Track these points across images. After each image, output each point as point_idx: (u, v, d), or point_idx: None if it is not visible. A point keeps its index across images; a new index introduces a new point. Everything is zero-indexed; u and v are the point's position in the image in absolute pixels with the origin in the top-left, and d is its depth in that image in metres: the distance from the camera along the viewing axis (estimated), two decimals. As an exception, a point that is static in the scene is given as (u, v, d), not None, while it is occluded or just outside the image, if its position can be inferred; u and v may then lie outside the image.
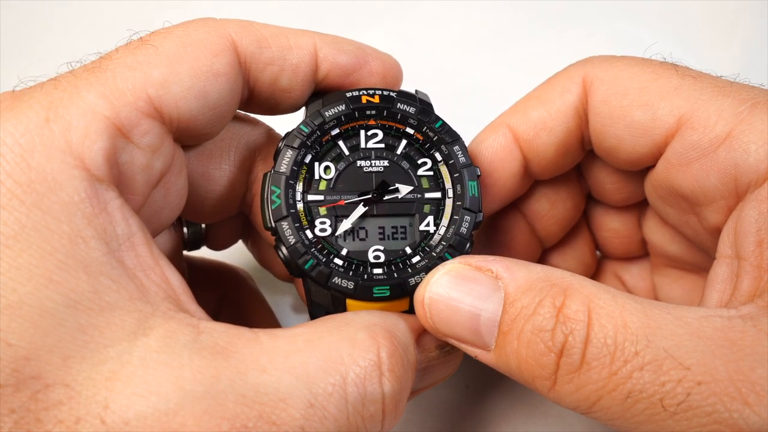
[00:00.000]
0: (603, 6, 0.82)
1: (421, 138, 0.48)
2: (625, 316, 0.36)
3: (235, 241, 0.58)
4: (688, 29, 0.80)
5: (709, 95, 0.44)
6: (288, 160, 0.46)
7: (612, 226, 0.58)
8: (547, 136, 0.50)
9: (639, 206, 0.56)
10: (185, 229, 0.54)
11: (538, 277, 0.39)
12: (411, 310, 0.45)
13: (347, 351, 0.38)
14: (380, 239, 0.47)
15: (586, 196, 0.58)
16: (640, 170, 0.50)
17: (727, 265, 0.43)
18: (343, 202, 0.47)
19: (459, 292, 0.41)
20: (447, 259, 0.45)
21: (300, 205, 0.46)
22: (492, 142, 0.51)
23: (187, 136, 0.44)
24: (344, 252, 0.46)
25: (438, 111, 0.49)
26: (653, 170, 0.48)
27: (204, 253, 0.57)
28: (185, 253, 0.56)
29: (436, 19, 0.83)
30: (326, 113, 0.47)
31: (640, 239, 0.57)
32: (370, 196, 0.47)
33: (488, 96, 0.74)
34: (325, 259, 0.45)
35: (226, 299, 0.58)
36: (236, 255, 0.61)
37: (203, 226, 0.55)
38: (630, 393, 0.35)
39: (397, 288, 0.44)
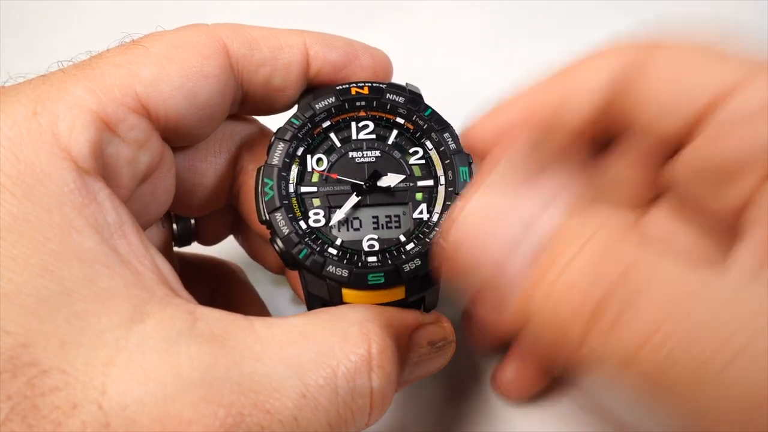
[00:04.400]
0: (603, 6, 0.83)
1: (411, 127, 0.49)
2: (672, 276, 0.34)
3: (226, 236, 0.59)
4: (687, 30, 0.81)
5: (750, 69, 0.42)
6: (280, 152, 0.46)
7: None
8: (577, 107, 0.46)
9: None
10: (174, 225, 0.54)
11: (588, 214, 0.36)
12: (407, 299, 0.46)
13: (339, 345, 0.39)
14: (374, 228, 0.47)
15: None
16: (670, 154, 0.47)
17: (764, 231, 0.40)
18: (335, 175, 0.47)
19: (492, 230, 0.36)
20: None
21: (293, 197, 0.46)
22: (531, 94, 0.49)
23: (176, 136, 0.44)
24: (339, 242, 0.46)
25: (438, 110, 0.49)
26: (690, 146, 0.45)
27: (195, 248, 0.58)
28: (176, 249, 0.56)
29: (436, 19, 0.83)
30: (317, 106, 0.47)
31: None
32: (363, 185, 0.47)
33: (489, 96, 0.75)
34: (319, 248, 0.45)
35: (218, 293, 0.58)
36: (228, 250, 0.61)
37: (192, 221, 0.55)
38: (671, 352, 0.33)
39: (392, 275, 0.44)
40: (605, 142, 0.51)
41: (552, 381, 0.57)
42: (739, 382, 0.32)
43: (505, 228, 0.36)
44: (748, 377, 0.32)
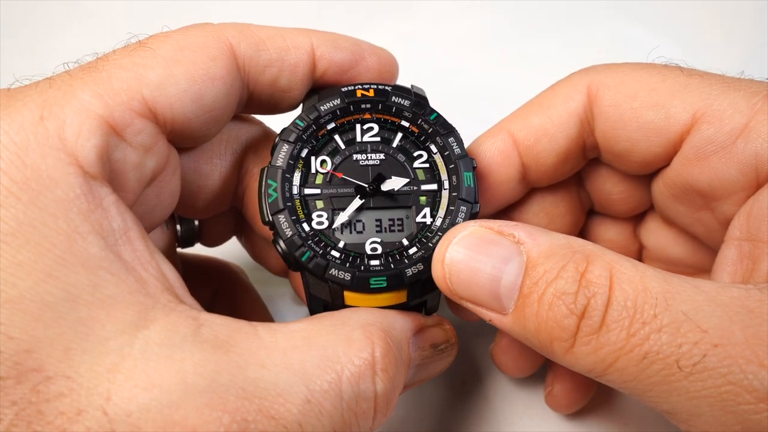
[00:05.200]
0: (603, 6, 0.82)
1: (416, 130, 0.49)
2: (646, 281, 0.37)
3: (229, 237, 0.59)
4: (687, 30, 0.80)
5: (720, 90, 0.44)
6: (284, 154, 0.46)
7: (608, 237, 0.57)
8: (548, 143, 0.50)
9: (636, 216, 0.56)
10: (178, 227, 0.54)
11: (560, 244, 0.40)
12: (409, 302, 0.46)
13: (343, 350, 0.39)
14: (377, 231, 0.47)
15: (586, 212, 0.57)
16: (650, 173, 0.50)
17: (736, 248, 0.44)
18: (340, 174, 0.47)
19: (480, 254, 0.41)
20: None
21: (297, 199, 0.46)
22: (490, 146, 0.51)
23: (181, 138, 0.44)
24: (341, 245, 0.46)
25: (438, 110, 0.49)
26: (667, 169, 0.48)
27: (197, 249, 0.58)
28: (179, 250, 0.56)
29: (437, 19, 0.83)
30: (321, 107, 0.47)
31: (637, 248, 0.57)
32: (366, 188, 0.47)
33: (488, 96, 0.75)
34: (322, 251, 0.45)
35: (220, 294, 0.58)
36: (230, 251, 0.61)
37: (196, 222, 0.55)
38: (647, 354, 0.36)
39: (394, 279, 0.44)
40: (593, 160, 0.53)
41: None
42: (713, 374, 0.35)
43: (494, 252, 0.41)
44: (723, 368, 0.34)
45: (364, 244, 0.47)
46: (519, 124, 0.50)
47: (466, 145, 0.49)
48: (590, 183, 0.55)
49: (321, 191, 0.47)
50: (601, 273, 0.38)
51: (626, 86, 0.47)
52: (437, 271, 0.43)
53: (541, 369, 0.58)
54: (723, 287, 0.37)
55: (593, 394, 0.57)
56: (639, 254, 0.58)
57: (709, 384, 0.35)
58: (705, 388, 0.35)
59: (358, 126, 0.49)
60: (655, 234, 0.55)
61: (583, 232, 0.59)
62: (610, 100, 0.47)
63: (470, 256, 0.41)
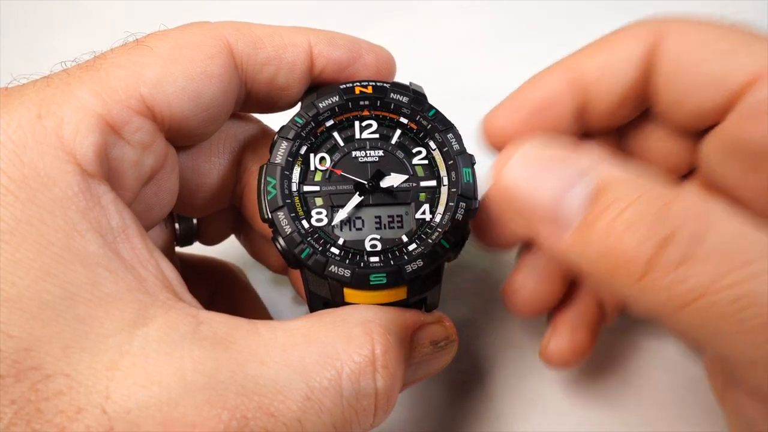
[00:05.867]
0: (603, 6, 0.82)
1: (415, 127, 0.49)
2: (741, 225, 0.33)
3: (228, 236, 0.59)
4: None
5: None
6: (283, 151, 0.46)
7: None
8: (612, 80, 0.47)
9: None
10: (176, 225, 0.54)
11: (639, 174, 0.36)
12: (408, 299, 0.46)
13: (343, 347, 0.39)
14: (377, 228, 0.47)
15: None
16: (702, 128, 0.48)
17: None
18: (339, 171, 0.47)
19: (545, 171, 0.37)
20: (443, 246, 0.45)
21: (296, 196, 0.46)
22: (551, 79, 0.48)
23: (180, 136, 0.44)
24: (341, 241, 0.46)
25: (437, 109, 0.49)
26: (721, 126, 0.46)
27: (196, 248, 0.58)
28: (177, 249, 0.56)
29: (437, 19, 0.83)
30: (320, 105, 0.47)
31: None
32: (365, 185, 0.47)
33: (488, 96, 0.74)
34: (321, 248, 0.45)
35: (218, 294, 0.58)
36: (229, 250, 0.61)
37: (195, 221, 0.55)
38: (740, 297, 0.32)
39: (394, 275, 0.44)
40: (637, 116, 0.51)
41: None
42: None
43: (560, 171, 0.36)
44: None
45: (363, 240, 0.47)
46: (583, 60, 0.48)
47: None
48: (631, 142, 0.52)
49: (320, 188, 0.47)
50: (691, 207, 0.34)
51: (693, 34, 0.45)
52: (493, 186, 0.38)
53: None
54: None
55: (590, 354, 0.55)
56: None
57: None
58: None
59: (356, 123, 0.49)
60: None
61: None
62: (676, 44, 0.46)
63: (532, 173, 0.37)
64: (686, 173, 0.53)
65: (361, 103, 0.48)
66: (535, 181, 0.36)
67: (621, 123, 0.51)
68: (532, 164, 0.37)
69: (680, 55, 0.46)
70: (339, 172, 0.48)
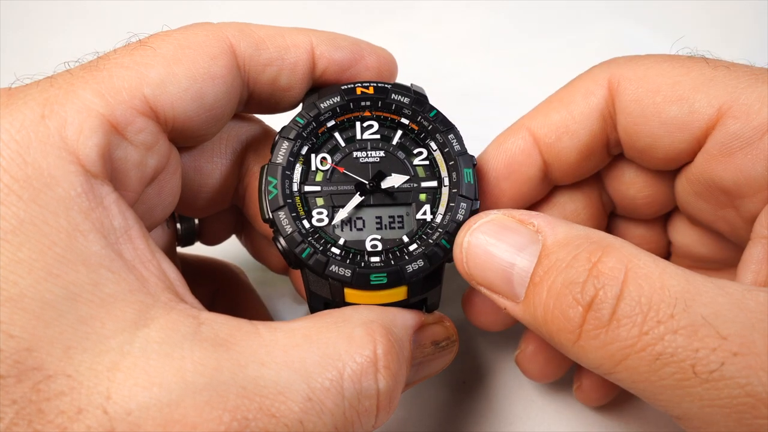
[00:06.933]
0: (604, 6, 0.82)
1: (416, 128, 0.49)
2: (665, 279, 0.36)
3: (229, 236, 0.59)
4: (688, 30, 0.80)
5: (747, 83, 0.43)
6: (284, 151, 0.46)
7: (637, 233, 0.56)
8: (569, 140, 0.49)
9: (662, 216, 0.55)
10: (178, 225, 0.54)
11: (577, 234, 0.39)
12: (409, 299, 0.46)
13: (344, 347, 0.39)
14: (377, 228, 0.47)
15: (608, 216, 0.56)
16: (673, 170, 0.49)
17: (763, 246, 0.43)
18: (342, 168, 0.48)
19: (498, 240, 0.42)
20: (444, 246, 0.45)
21: (297, 196, 0.46)
22: (511, 144, 0.50)
23: (182, 137, 0.44)
24: (341, 241, 0.46)
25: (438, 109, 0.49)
26: (690, 166, 0.47)
27: (197, 249, 0.58)
28: (179, 250, 0.56)
29: (437, 19, 0.83)
30: (322, 105, 0.47)
31: (665, 244, 0.56)
32: (366, 185, 0.47)
33: (488, 96, 0.75)
34: (322, 248, 0.45)
35: (219, 295, 0.58)
36: (230, 251, 0.61)
37: (196, 221, 0.55)
38: (660, 355, 0.34)
39: (395, 275, 0.45)
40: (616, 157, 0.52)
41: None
42: (730, 384, 0.33)
43: (512, 238, 0.41)
44: (741, 378, 0.33)
45: (364, 241, 0.47)
46: (539, 122, 0.49)
47: (483, 147, 0.48)
48: (612, 185, 0.53)
49: (321, 188, 0.47)
50: (615, 265, 0.37)
51: (648, 80, 0.46)
52: (456, 255, 0.43)
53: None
54: (749, 290, 0.35)
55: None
56: (666, 249, 0.56)
57: (725, 394, 0.33)
58: (720, 398, 0.33)
59: (358, 123, 0.49)
60: (682, 232, 0.54)
61: (609, 232, 0.57)
62: (631, 94, 0.46)
63: (488, 242, 0.42)
64: (672, 209, 0.54)
65: (363, 103, 0.48)
66: (491, 248, 0.42)
67: (593, 171, 0.52)
68: (489, 233, 0.42)
69: (640, 104, 0.46)
70: (342, 169, 0.48)
